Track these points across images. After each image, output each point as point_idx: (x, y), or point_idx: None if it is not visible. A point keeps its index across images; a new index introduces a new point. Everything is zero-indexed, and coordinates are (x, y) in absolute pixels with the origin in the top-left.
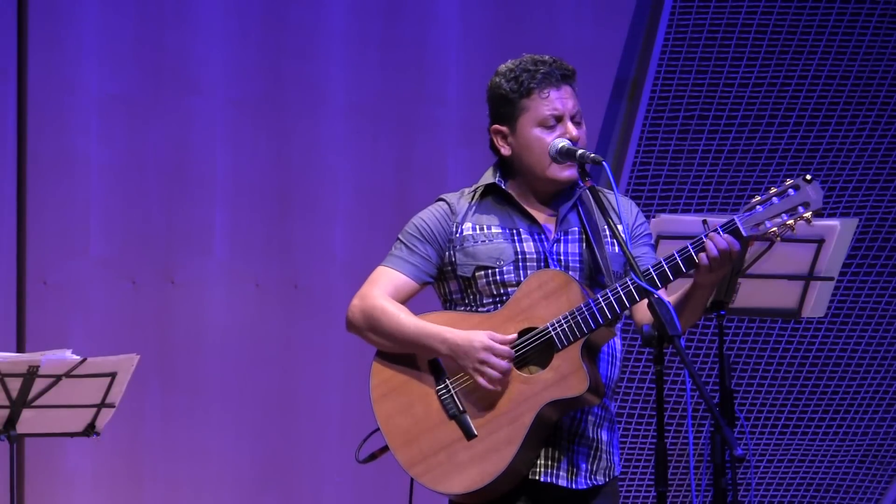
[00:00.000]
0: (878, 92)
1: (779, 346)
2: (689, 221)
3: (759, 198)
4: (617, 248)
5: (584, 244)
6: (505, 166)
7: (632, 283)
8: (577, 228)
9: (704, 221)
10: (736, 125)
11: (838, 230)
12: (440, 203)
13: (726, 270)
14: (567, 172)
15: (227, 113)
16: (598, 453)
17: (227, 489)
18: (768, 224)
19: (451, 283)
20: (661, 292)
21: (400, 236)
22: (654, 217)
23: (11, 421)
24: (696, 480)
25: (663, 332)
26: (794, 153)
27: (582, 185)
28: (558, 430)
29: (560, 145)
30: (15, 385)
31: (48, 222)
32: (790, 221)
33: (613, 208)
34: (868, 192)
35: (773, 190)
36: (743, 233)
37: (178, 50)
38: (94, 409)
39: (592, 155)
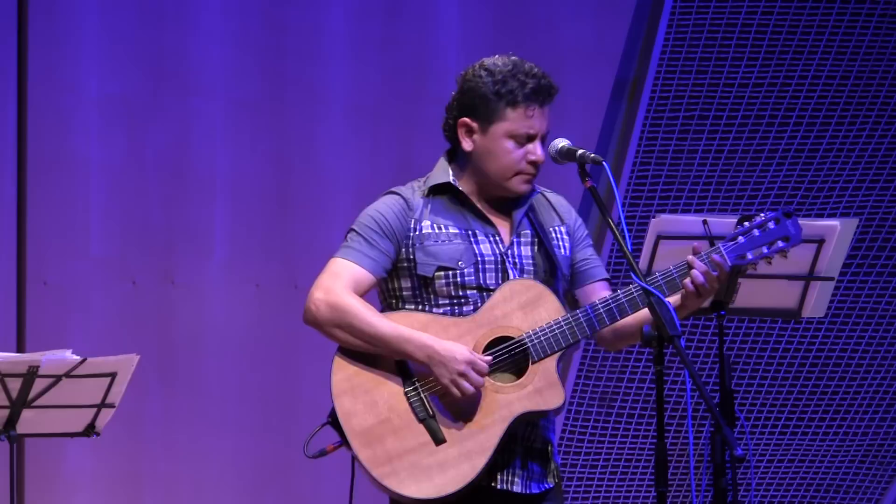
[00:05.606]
0: (878, 92)
1: (779, 346)
2: (689, 221)
3: (740, 229)
4: (564, 252)
5: (536, 247)
6: (456, 156)
7: (636, 289)
8: (529, 231)
9: (705, 221)
10: (736, 125)
11: (838, 230)
12: (395, 197)
13: (711, 294)
14: (523, 187)
15: (227, 113)
16: (549, 456)
17: (227, 489)
18: (750, 256)
19: (402, 280)
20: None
21: (355, 227)
22: (654, 217)
23: (11, 421)
24: (696, 480)
25: (663, 332)
26: (794, 153)
27: (537, 189)
28: (512, 436)
29: (560, 145)
30: (15, 385)
31: (48, 222)
32: (770, 256)
33: (555, 209)
34: (868, 192)
35: (753, 222)
36: (728, 262)
37: (178, 50)
38: (94, 410)
39: (592, 155)
